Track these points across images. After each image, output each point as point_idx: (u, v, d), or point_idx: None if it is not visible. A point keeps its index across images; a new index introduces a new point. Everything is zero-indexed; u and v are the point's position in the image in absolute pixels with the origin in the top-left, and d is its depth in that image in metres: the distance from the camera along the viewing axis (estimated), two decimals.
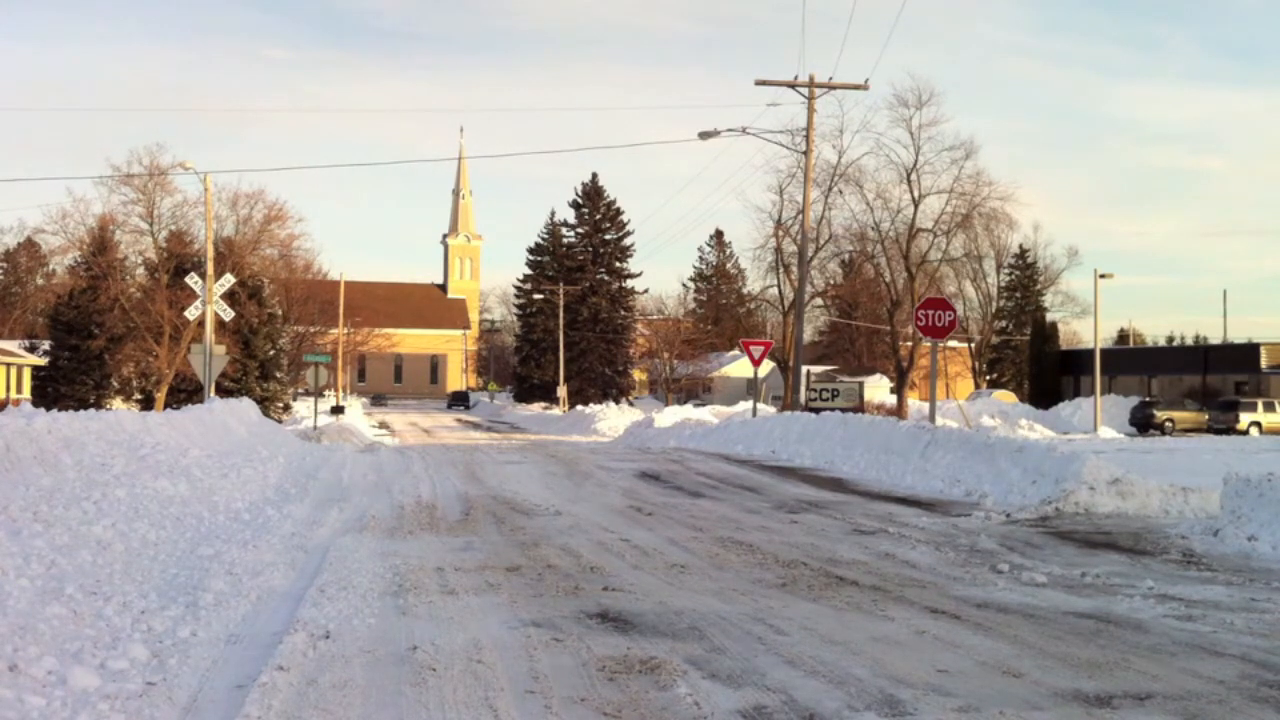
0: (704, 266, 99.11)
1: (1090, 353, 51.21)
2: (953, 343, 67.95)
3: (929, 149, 49.34)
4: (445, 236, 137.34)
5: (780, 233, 49.88)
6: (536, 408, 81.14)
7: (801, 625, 7.47)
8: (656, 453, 24.24)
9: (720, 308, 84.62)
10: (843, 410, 26.55)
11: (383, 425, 62.48)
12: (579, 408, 66.31)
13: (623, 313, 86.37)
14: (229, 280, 37.98)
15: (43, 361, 59.29)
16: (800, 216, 39.51)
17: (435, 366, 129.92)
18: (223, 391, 37.88)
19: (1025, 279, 76.16)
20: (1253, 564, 10.16)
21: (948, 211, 49.73)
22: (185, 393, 48.57)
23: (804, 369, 39.12)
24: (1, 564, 7.29)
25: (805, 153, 37.63)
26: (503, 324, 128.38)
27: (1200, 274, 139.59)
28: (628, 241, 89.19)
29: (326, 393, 58.12)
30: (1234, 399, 51.92)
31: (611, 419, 53.13)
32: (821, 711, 5.63)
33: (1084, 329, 74.64)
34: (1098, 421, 46.20)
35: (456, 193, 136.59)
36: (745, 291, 75.08)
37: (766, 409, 37.85)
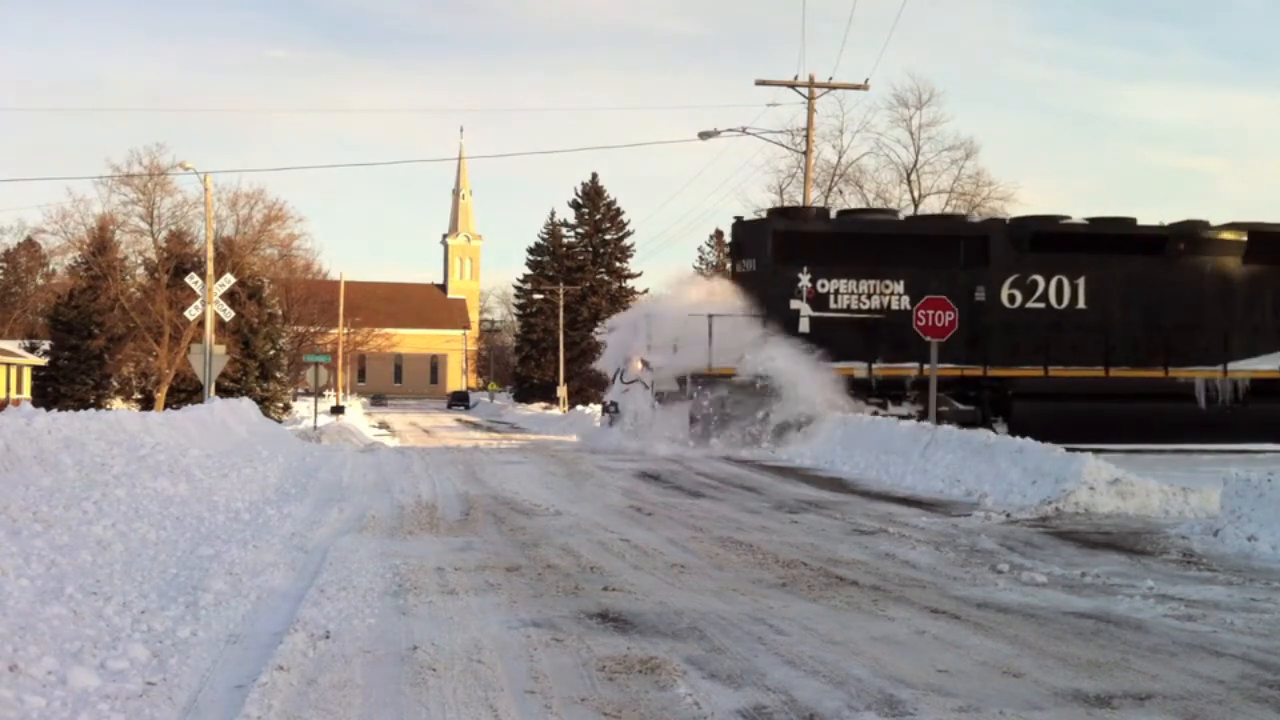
0: (704, 267, 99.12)
1: None
2: None
3: (929, 149, 49.45)
4: (445, 236, 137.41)
5: None
6: (536, 408, 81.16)
7: (801, 625, 7.47)
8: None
9: None
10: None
11: (383, 425, 62.51)
12: (579, 408, 66.34)
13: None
14: (229, 280, 38.03)
15: (43, 361, 59.32)
16: None
17: (435, 366, 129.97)
18: (223, 391, 37.90)
19: None
20: (1253, 564, 10.16)
21: (948, 211, 49.73)
22: (185, 393, 48.61)
23: None
24: (1, 564, 7.29)
25: (805, 153, 37.66)
26: (503, 324, 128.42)
27: None
28: (628, 241, 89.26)
29: (326, 393, 58.15)
30: None
31: None
32: (822, 711, 5.63)
33: None
34: None
35: (456, 193, 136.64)
36: None
37: None
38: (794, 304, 24.11)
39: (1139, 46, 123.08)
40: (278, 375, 58.26)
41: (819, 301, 24.21)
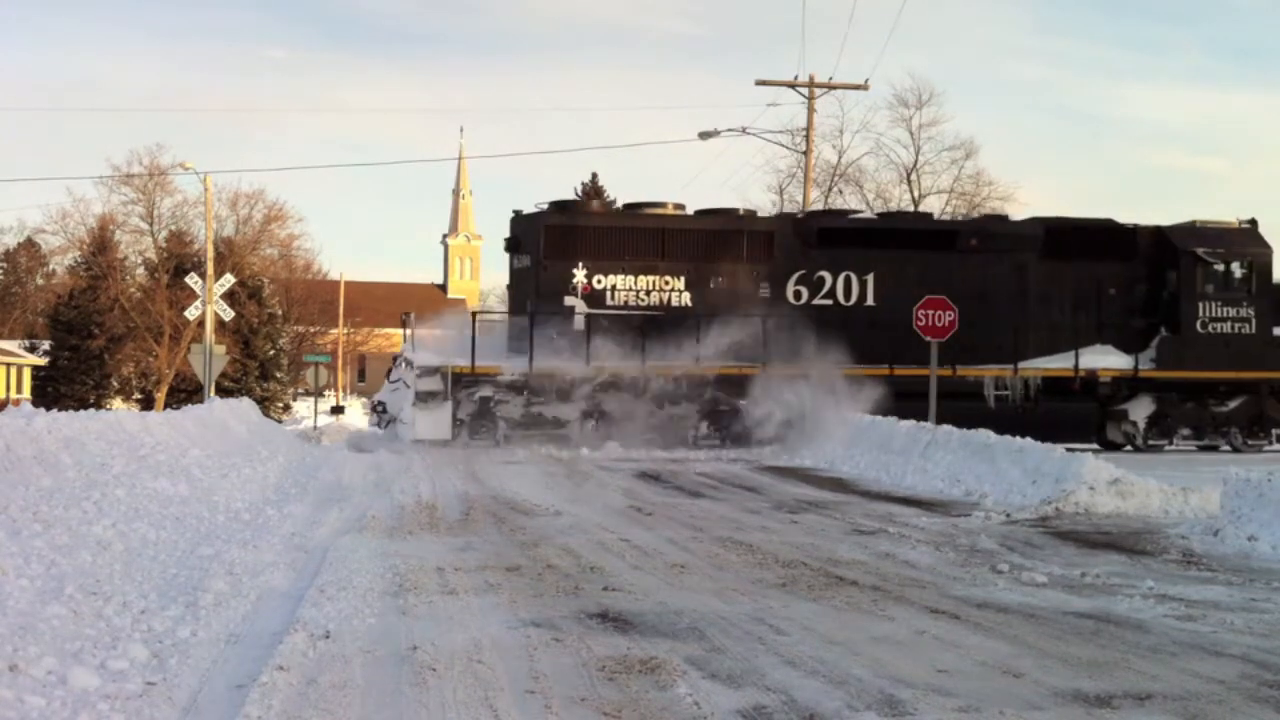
0: None
1: None
2: None
3: (929, 149, 49.36)
4: (445, 236, 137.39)
5: None
6: None
7: (802, 625, 7.47)
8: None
9: None
10: None
11: None
12: None
13: None
14: (229, 280, 38.02)
15: (43, 361, 59.28)
16: None
17: None
18: (223, 391, 37.92)
19: None
20: (1253, 564, 10.17)
21: (948, 212, 49.73)
22: (185, 393, 48.63)
23: None
24: (2, 564, 7.29)
25: (805, 153, 37.73)
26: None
27: None
28: None
29: (326, 393, 58.10)
30: None
31: None
32: (822, 711, 5.63)
33: None
34: None
35: (456, 193, 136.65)
36: None
37: None
38: (568, 300, 23.17)
39: (1139, 46, 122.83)
40: (278, 375, 58.25)
41: (595, 298, 23.24)
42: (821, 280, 24.12)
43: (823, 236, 24.26)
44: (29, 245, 78.72)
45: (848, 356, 22.91)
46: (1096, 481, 13.82)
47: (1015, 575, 9.37)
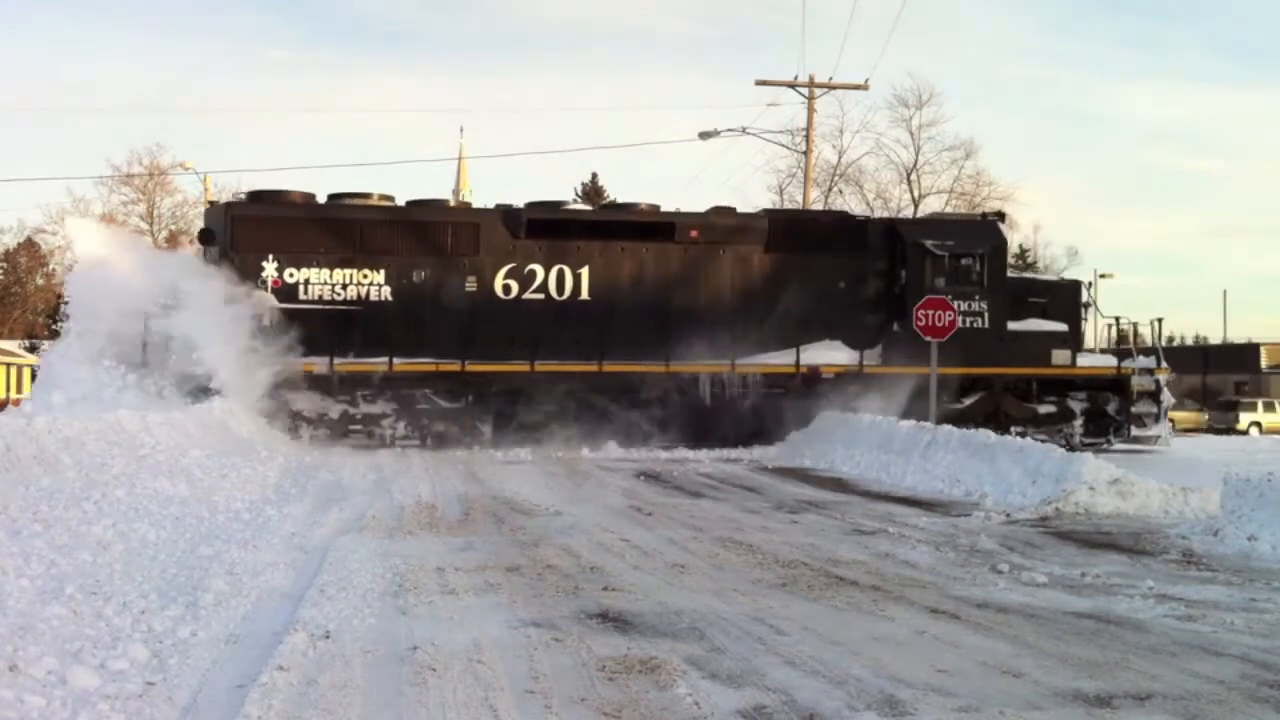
0: None
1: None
2: None
3: (929, 149, 49.56)
4: None
5: None
6: None
7: (802, 625, 7.47)
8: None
9: None
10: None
11: None
12: None
13: None
14: None
15: None
16: None
17: None
18: None
19: None
20: (1253, 564, 10.17)
21: (947, 211, 49.81)
22: None
23: None
24: (2, 564, 7.30)
25: (805, 153, 37.81)
26: None
27: (1200, 274, 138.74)
28: None
29: None
30: (1234, 399, 52.00)
31: None
32: (822, 711, 5.63)
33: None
34: None
35: (456, 193, 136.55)
36: None
37: None
38: (257, 295, 22.25)
39: (1140, 46, 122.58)
40: None
41: (286, 293, 22.33)
42: (533, 273, 23.40)
43: (532, 228, 23.40)
44: (29, 245, 78.72)
45: (557, 351, 22.48)
46: (1097, 481, 13.83)
47: (1015, 575, 9.38)
